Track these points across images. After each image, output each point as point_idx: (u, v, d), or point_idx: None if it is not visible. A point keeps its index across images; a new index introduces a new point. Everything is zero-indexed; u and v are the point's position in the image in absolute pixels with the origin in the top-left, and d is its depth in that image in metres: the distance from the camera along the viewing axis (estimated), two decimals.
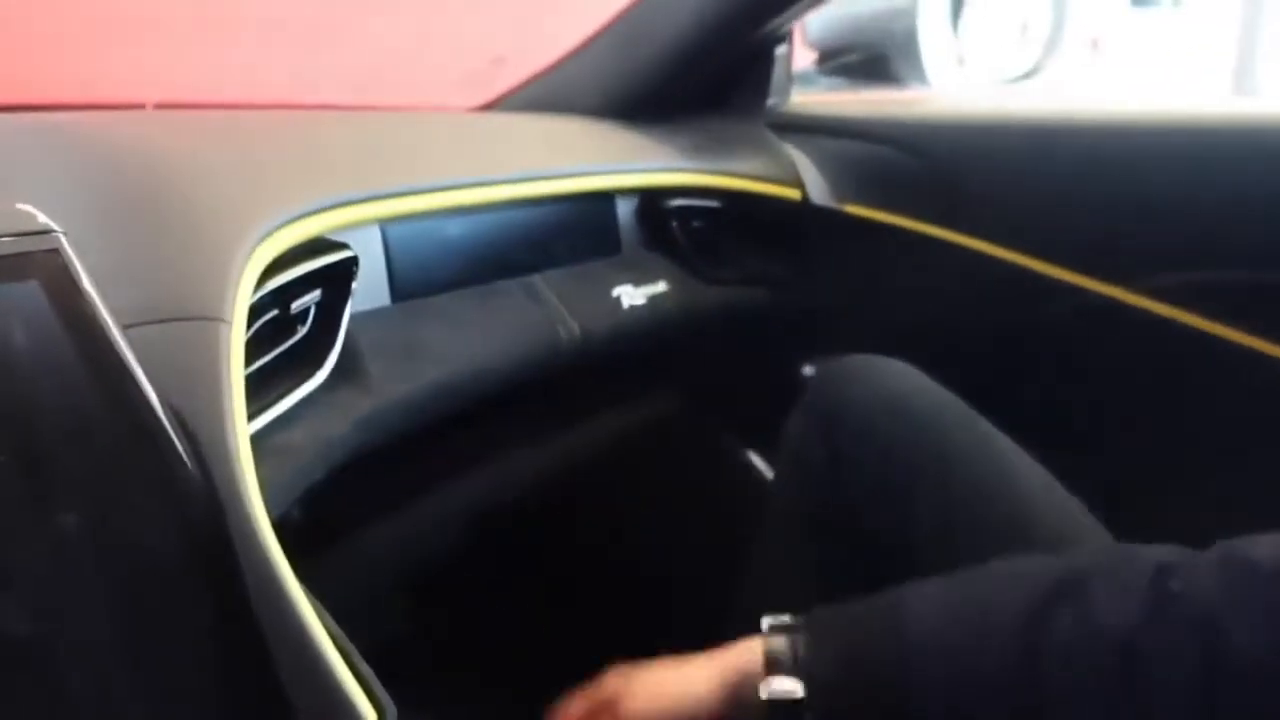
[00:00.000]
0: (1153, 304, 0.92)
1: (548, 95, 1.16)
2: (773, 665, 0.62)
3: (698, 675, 0.66)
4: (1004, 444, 0.78)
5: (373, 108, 1.12)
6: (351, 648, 0.39)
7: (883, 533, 0.75)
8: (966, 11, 1.68)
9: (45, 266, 0.38)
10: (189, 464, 0.39)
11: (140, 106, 0.98)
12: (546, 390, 0.90)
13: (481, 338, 0.81)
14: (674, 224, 1.02)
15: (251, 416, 0.56)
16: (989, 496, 0.73)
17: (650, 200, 1.01)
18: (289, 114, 0.99)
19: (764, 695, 0.61)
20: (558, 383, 0.90)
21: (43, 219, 0.38)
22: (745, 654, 0.64)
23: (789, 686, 0.61)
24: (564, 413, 1.06)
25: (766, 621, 0.65)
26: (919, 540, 0.73)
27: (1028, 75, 1.64)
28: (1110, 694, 0.53)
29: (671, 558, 1.04)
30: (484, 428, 0.93)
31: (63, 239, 0.38)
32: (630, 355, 0.97)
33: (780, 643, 0.63)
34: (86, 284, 0.38)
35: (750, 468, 1.25)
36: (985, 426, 0.79)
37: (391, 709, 0.38)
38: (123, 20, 1.18)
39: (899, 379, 0.82)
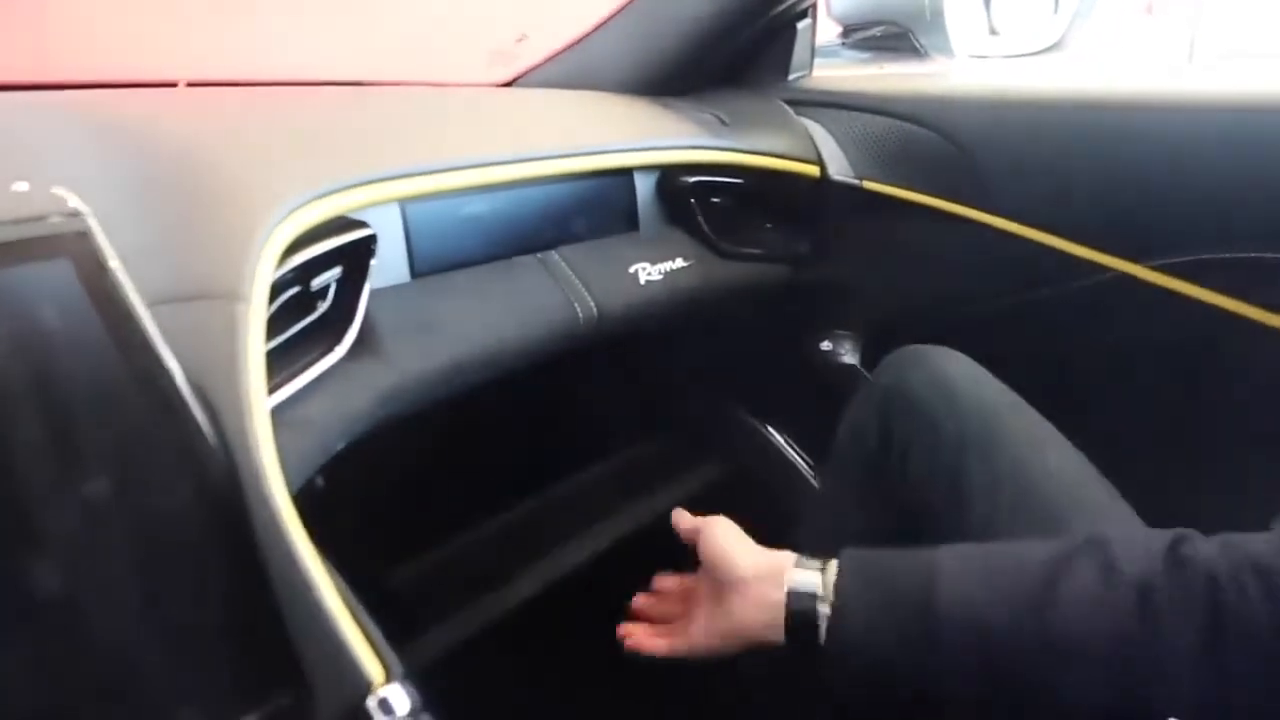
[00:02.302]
0: (1170, 280, 0.92)
1: (570, 71, 1.17)
2: (799, 623, 0.65)
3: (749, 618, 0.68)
4: (1048, 431, 0.80)
5: (399, 84, 1.13)
6: (361, 609, 0.41)
7: (929, 508, 0.78)
8: None
9: (76, 247, 0.39)
10: (209, 436, 0.41)
11: (173, 84, 1.00)
12: (564, 363, 0.92)
13: (499, 313, 0.82)
14: (693, 200, 1.03)
15: (274, 390, 0.58)
16: (1032, 480, 0.75)
17: (669, 177, 1.02)
18: (316, 91, 1.01)
19: (786, 585, 0.65)
20: (575, 356, 0.91)
21: (74, 202, 0.40)
22: (774, 603, 0.67)
23: (810, 579, 0.65)
24: (580, 385, 1.08)
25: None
26: (963, 516, 0.75)
27: (1052, 48, 1.62)
28: (1125, 638, 0.55)
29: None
30: (502, 399, 0.95)
31: (92, 221, 0.40)
32: (648, 330, 0.98)
33: (815, 562, 0.67)
34: (114, 264, 0.40)
35: (766, 439, 1.27)
36: (1032, 414, 0.81)
37: (397, 667, 0.39)
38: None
39: (954, 366, 0.85)
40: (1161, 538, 0.59)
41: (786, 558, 0.69)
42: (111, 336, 0.39)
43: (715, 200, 1.06)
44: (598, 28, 1.16)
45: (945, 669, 0.60)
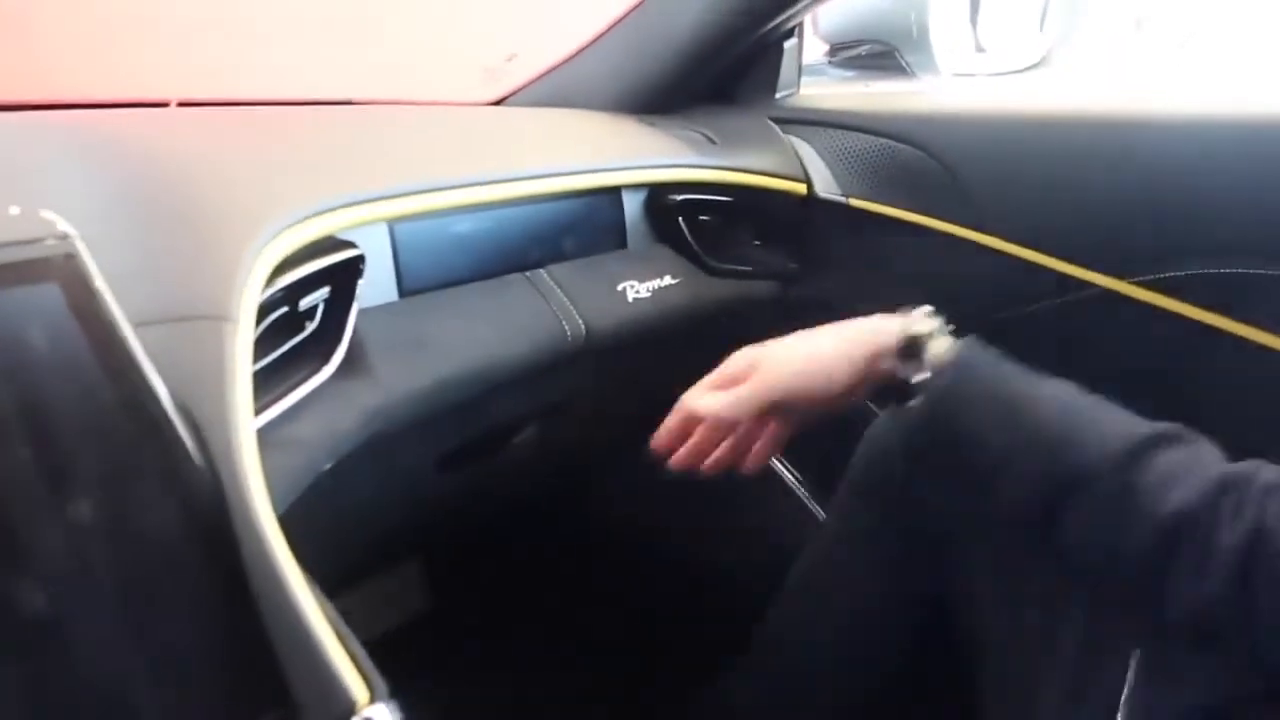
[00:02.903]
0: (1154, 296, 0.93)
1: (559, 90, 1.18)
2: (908, 351, 0.70)
3: (827, 345, 0.73)
4: None
5: (389, 102, 1.14)
6: (346, 630, 0.42)
7: (941, 518, 0.80)
8: (986, 1, 1.68)
9: (63, 270, 0.40)
10: (195, 457, 0.41)
11: (165, 104, 1.00)
12: (552, 380, 0.92)
13: (487, 332, 0.82)
14: (680, 218, 1.04)
15: (262, 410, 0.59)
16: None
17: (657, 195, 1.03)
18: (305, 110, 1.02)
19: (900, 375, 0.70)
20: (563, 373, 0.92)
21: (62, 225, 0.40)
22: (880, 334, 0.72)
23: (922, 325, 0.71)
24: (569, 402, 1.08)
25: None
26: (967, 527, 0.78)
27: (1037, 65, 1.64)
28: (1196, 517, 0.58)
29: (677, 542, 1.06)
30: (490, 416, 0.95)
31: (80, 244, 0.40)
32: (636, 347, 0.99)
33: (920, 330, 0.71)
34: (101, 286, 0.40)
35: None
36: None
37: (382, 688, 0.40)
38: (151, 19, 1.21)
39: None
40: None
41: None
42: (98, 358, 0.40)
43: (703, 218, 1.07)
44: (587, 47, 1.18)
45: (1023, 465, 0.64)
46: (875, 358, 0.72)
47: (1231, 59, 1.64)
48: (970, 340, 0.71)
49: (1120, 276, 0.94)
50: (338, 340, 0.68)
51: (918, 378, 0.70)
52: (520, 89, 1.20)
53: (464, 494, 1.10)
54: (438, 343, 0.78)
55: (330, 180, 0.72)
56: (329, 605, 0.43)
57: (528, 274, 0.90)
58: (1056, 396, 0.67)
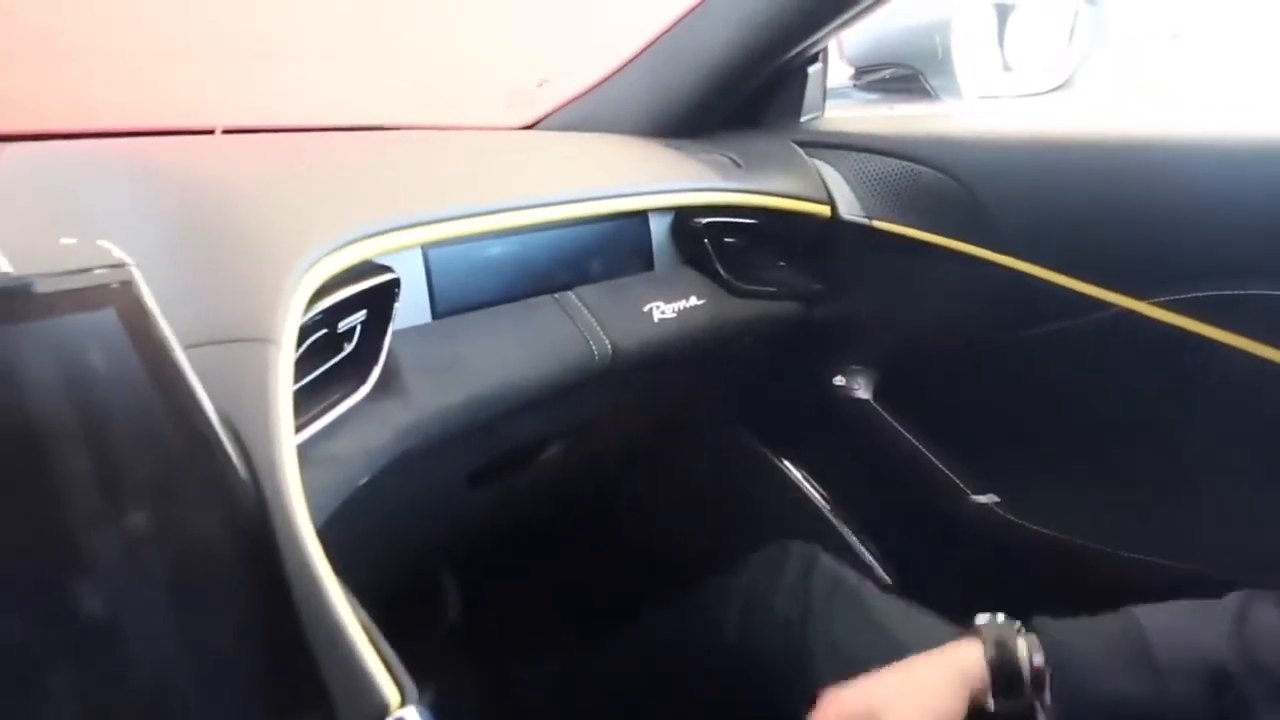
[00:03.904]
0: (1176, 317, 0.94)
1: (588, 114, 1.20)
2: (1003, 676, 0.73)
3: (938, 682, 0.75)
4: None
5: (425, 127, 1.17)
6: (379, 635, 0.44)
7: None
8: (1013, 20, 1.69)
9: (120, 296, 0.42)
10: (241, 471, 0.44)
11: (209, 131, 1.04)
12: (579, 399, 0.94)
13: (516, 352, 0.85)
14: (706, 240, 1.05)
15: (301, 427, 0.61)
16: None
17: (683, 218, 1.05)
18: (343, 136, 1.05)
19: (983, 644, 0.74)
20: (589, 392, 0.94)
21: (117, 253, 0.43)
22: (973, 664, 0.74)
23: (1002, 633, 0.74)
24: (594, 420, 1.10)
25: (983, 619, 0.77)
26: None
27: (1064, 85, 1.64)
28: None
29: (702, 559, 1.08)
30: (519, 433, 0.97)
31: (135, 271, 0.43)
32: (662, 367, 1.01)
33: (1009, 652, 0.74)
34: (154, 311, 0.43)
35: (781, 474, 1.29)
36: None
37: (412, 690, 0.42)
38: (195, 50, 1.26)
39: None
40: None
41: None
42: (151, 379, 0.42)
43: (728, 240, 1.08)
44: (615, 73, 1.20)
45: (1172, 691, 0.69)
46: (977, 695, 0.75)
47: (1270, 72, 1.63)
48: (1044, 631, 0.75)
49: (1140, 297, 0.95)
50: (374, 361, 0.71)
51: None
52: (550, 113, 1.23)
53: (492, 509, 1.12)
54: (469, 363, 0.80)
55: (368, 206, 0.74)
56: (363, 613, 0.45)
57: (556, 296, 0.92)
58: (1137, 627, 0.72)
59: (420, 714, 0.42)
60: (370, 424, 0.69)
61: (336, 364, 0.68)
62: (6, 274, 0.39)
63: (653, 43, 1.17)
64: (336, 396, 0.66)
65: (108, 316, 0.42)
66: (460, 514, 1.06)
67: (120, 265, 0.43)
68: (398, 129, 1.13)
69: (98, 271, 0.42)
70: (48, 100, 1.09)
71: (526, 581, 1.39)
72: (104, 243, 0.44)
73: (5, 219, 0.65)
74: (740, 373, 1.26)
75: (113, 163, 0.78)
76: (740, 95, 1.18)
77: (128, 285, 0.43)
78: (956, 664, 0.75)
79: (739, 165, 1.13)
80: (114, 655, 0.38)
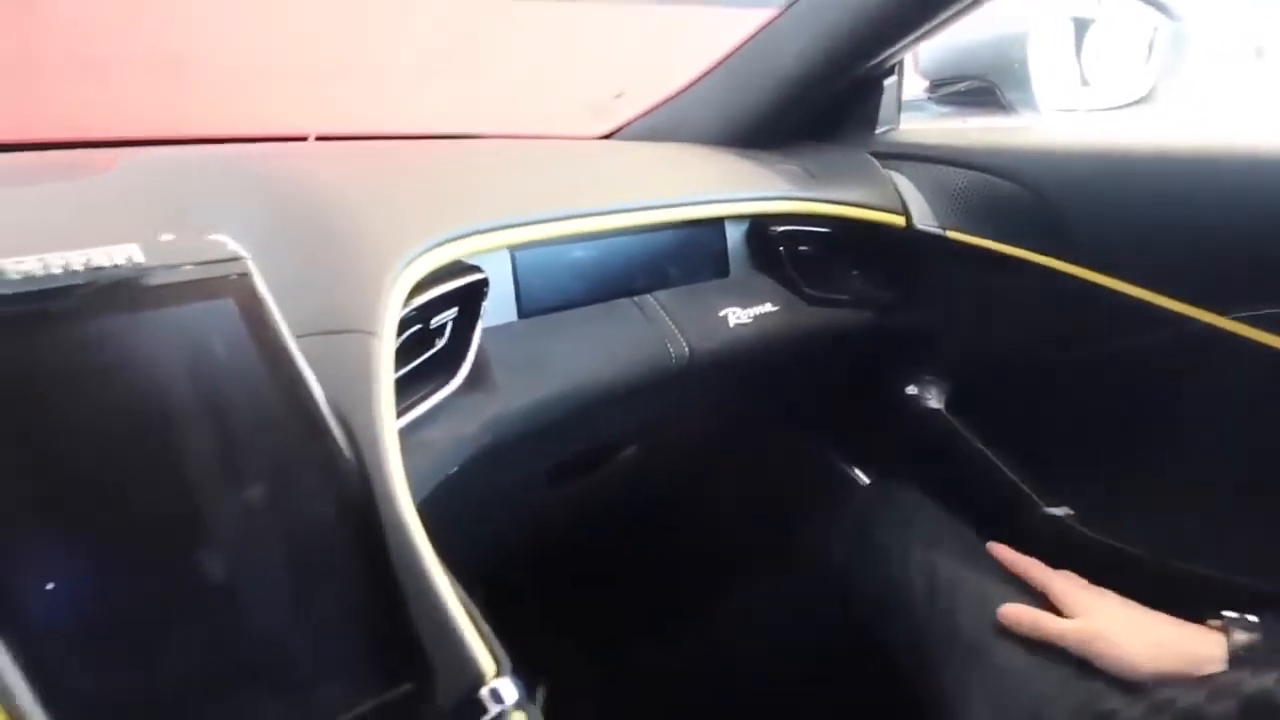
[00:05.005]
0: (1257, 333, 0.92)
1: (664, 124, 1.22)
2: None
3: (1168, 639, 0.81)
4: None
5: (509, 136, 1.21)
6: (475, 609, 0.46)
7: None
8: (1090, 34, 1.67)
9: (237, 287, 0.45)
10: (347, 452, 0.46)
11: (303, 138, 1.09)
12: (656, 399, 0.97)
13: (598, 352, 0.87)
14: (781, 248, 1.07)
15: (398, 415, 0.65)
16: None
17: (759, 226, 1.06)
18: (432, 144, 1.09)
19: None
20: (666, 393, 0.96)
21: (233, 246, 0.45)
22: (1212, 646, 0.79)
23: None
24: (670, 421, 1.12)
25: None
26: None
27: (1142, 100, 1.62)
28: None
29: (767, 567, 1.09)
30: (597, 432, 1.00)
31: (251, 264, 0.45)
32: (736, 371, 1.02)
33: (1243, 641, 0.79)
34: (269, 301, 0.45)
35: (852, 482, 1.29)
36: None
37: (506, 662, 0.44)
38: (292, 64, 1.31)
39: None
40: None
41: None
42: (266, 365, 0.44)
43: (803, 248, 1.10)
44: (692, 84, 1.22)
45: None
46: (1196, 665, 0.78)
47: None
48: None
49: (1221, 312, 0.94)
50: (464, 356, 0.74)
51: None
52: (628, 124, 1.26)
53: (570, 506, 1.15)
54: (553, 361, 0.83)
55: (459, 210, 0.77)
56: (461, 590, 0.48)
57: (635, 299, 0.95)
58: None
59: (513, 684, 0.43)
60: (460, 415, 0.72)
61: (430, 358, 0.72)
62: (139, 264, 0.41)
63: (729, 55, 1.19)
64: (429, 388, 0.69)
65: (227, 306, 0.44)
66: (540, 510, 1.09)
67: (237, 258, 0.46)
68: (484, 138, 1.17)
69: (217, 264, 0.45)
70: (158, 111, 1.15)
71: (612, 574, 1.41)
72: (221, 236, 0.46)
73: (124, 216, 0.69)
74: (812, 379, 1.27)
75: (216, 165, 0.83)
76: (815, 108, 1.19)
77: (244, 277, 0.45)
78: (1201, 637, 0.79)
79: (813, 176, 1.14)
80: (232, 620, 0.40)
